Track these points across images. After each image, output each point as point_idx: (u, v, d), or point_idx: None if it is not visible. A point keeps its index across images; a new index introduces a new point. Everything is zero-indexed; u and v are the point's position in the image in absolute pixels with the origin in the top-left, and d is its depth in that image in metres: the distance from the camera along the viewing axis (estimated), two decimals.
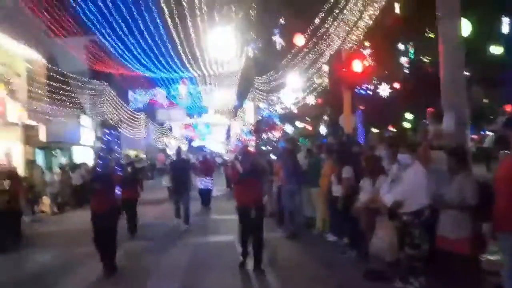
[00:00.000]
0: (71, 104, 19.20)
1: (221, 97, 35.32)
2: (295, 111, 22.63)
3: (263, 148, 12.92)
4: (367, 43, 17.37)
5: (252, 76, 23.30)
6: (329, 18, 14.20)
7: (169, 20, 16.55)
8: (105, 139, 7.08)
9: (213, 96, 35.73)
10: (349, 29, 14.10)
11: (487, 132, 16.91)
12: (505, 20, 14.29)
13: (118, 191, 9.41)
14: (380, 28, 15.69)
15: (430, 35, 16.04)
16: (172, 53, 20.79)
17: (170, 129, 43.88)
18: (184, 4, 15.28)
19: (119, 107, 26.78)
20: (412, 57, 18.92)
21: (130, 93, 35.16)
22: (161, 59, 22.00)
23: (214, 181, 13.06)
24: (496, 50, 14.64)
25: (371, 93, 19.30)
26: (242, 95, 31.04)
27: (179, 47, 19.12)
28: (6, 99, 13.73)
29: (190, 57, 20.82)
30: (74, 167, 14.94)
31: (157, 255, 7.21)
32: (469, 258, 4.25)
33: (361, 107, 19.82)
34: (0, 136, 14.18)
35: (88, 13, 16.92)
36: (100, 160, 6.28)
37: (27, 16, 15.90)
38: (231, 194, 9.59)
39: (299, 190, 7.91)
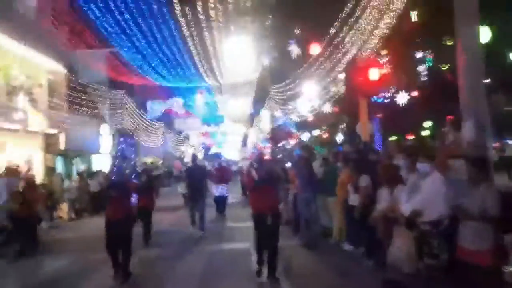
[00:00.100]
0: (91, 114, 19.58)
1: (237, 106, 35.48)
2: (311, 119, 22.57)
3: (279, 156, 12.87)
4: (384, 51, 17.28)
5: (268, 85, 23.35)
6: (345, 27, 14.18)
7: (186, 31, 16.80)
8: (120, 147, 7.19)
9: (229, 105, 35.94)
10: (366, 38, 14.05)
11: (509, 141, 16.50)
12: None
13: (134, 199, 9.53)
14: (397, 36, 15.58)
15: (448, 42, 15.82)
16: (189, 63, 21.05)
17: (187, 138, 44.27)
18: (200, 15, 15.48)
19: (137, 116, 27.18)
20: (430, 64, 18.70)
21: (149, 102, 35.71)
22: (178, 69, 22.31)
23: (229, 188, 13.06)
24: None
25: (388, 101, 19.13)
26: (258, 104, 31.11)
27: (195, 57, 19.35)
28: (28, 109, 14.09)
29: (206, 67, 21.03)
30: (92, 174, 15.18)
31: (172, 263, 7.22)
32: (490, 270, 4.11)
33: (379, 115, 19.66)
34: (22, 144, 14.55)
35: (108, 26, 17.34)
36: (115, 168, 6.33)
37: (49, 29, 16.39)
38: (247, 202, 9.57)
39: (314, 198, 7.83)
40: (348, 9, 13.55)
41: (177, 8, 15.12)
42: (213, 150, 46.17)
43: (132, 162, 7.10)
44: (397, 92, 18.54)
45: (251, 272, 6.22)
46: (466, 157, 4.91)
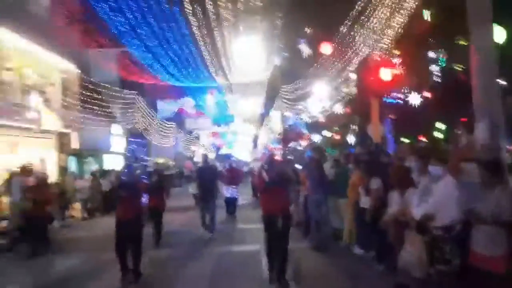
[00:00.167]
0: (102, 113, 19.75)
1: (248, 106, 35.54)
2: (322, 120, 22.45)
3: (290, 157, 12.81)
4: (396, 51, 17.10)
5: (278, 85, 23.31)
6: (356, 26, 14.07)
7: (196, 32, 16.85)
8: (130, 147, 7.22)
9: (239, 105, 35.98)
10: (377, 37, 13.92)
11: None
12: None
13: (144, 199, 9.56)
14: (410, 35, 15.41)
15: (462, 42, 15.60)
16: (199, 63, 21.12)
17: (198, 138, 44.42)
18: (211, 15, 15.52)
19: (149, 116, 27.36)
20: (443, 65, 18.45)
21: (159, 102, 35.90)
22: (189, 69, 22.40)
23: (240, 190, 13.04)
24: None
25: (401, 101, 18.94)
26: (268, 104, 31.08)
27: (206, 57, 19.41)
28: (41, 108, 14.26)
29: (217, 66, 21.08)
30: (104, 173, 15.30)
31: (182, 263, 7.23)
32: (504, 276, 4.02)
33: (391, 116, 19.47)
34: (35, 143, 14.74)
35: (119, 26, 17.48)
36: (126, 168, 6.34)
37: (62, 29, 16.58)
38: (257, 203, 9.53)
39: (325, 200, 7.76)
40: (359, 8, 13.46)
41: (188, 7, 15.18)
42: (223, 151, 46.25)
43: (143, 162, 7.08)
44: (409, 92, 18.35)
45: (261, 275, 6.18)
46: (479, 160, 4.82)
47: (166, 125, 31.73)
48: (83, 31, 18.20)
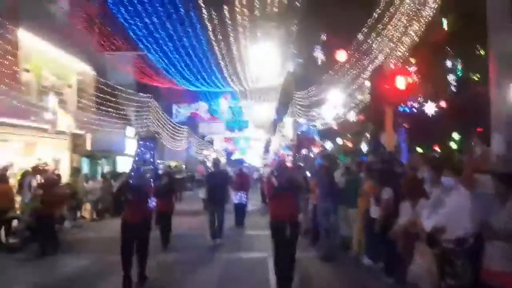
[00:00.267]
0: (117, 116, 19.98)
1: (261, 112, 35.56)
2: (335, 127, 22.29)
3: (301, 164, 12.69)
4: (412, 60, 16.91)
5: (292, 91, 23.26)
6: (372, 34, 13.97)
7: (212, 37, 16.96)
8: (140, 150, 7.24)
9: (253, 110, 36.03)
10: (393, 45, 13.79)
11: None
12: None
13: (152, 202, 9.56)
14: (427, 44, 15.22)
15: (480, 51, 15.33)
16: (214, 68, 21.24)
17: (211, 142, 44.60)
18: (227, 20, 15.60)
19: (163, 119, 27.61)
20: (460, 74, 18.16)
21: (174, 106, 36.21)
22: (204, 74, 22.55)
23: (249, 195, 12.96)
24: None
25: (416, 111, 18.68)
26: (281, 110, 31.03)
27: (221, 62, 19.50)
28: (57, 109, 14.47)
29: (232, 71, 21.16)
30: (116, 175, 15.41)
31: (189, 268, 7.19)
32: None
33: (406, 125, 19.20)
34: (51, 143, 14.95)
35: (136, 29, 17.73)
36: (134, 171, 6.30)
37: (80, 32, 16.88)
38: (266, 209, 9.46)
39: (334, 209, 7.64)
40: (376, 15, 13.36)
41: (205, 12, 15.30)
42: (235, 156, 46.32)
43: (153, 165, 7.07)
44: (425, 101, 18.08)
45: (268, 282, 6.11)
46: (494, 172, 4.68)
47: (179, 128, 31.97)
48: (101, 34, 18.49)
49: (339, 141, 25.14)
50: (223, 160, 34.58)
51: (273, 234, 5.93)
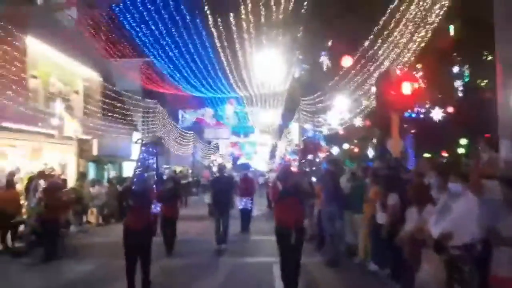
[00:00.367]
0: (123, 121, 20.09)
1: (267, 117, 35.62)
2: (341, 132, 22.23)
3: (306, 169, 12.65)
4: (418, 65, 16.85)
5: (298, 97, 23.26)
6: (378, 40, 13.95)
7: (218, 43, 17.04)
8: (142, 155, 7.24)
9: (259, 116, 36.10)
10: (399, 51, 13.75)
11: None
12: None
13: (157, 207, 9.54)
14: (433, 50, 15.17)
15: (487, 57, 15.25)
16: (220, 74, 21.34)
17: (217, 147, 44.72)
18: (233, 27, 15.67)
19: (169, 125, 27.74)
20: (467, 80, 18.07)
21: (180, 112, 36.40)
22: (210, 80, 22.65)
23: (255, 200, 12.92)
24: None
25: (422, 116, 18.60)
26: (287, 116, 31.05)
27: (227, 68, 19.58)
28: (64, 115, 14.58)
29: (237, 78, 21.22)
30: (122, 180, 15.46)
31: (194, 273, 7.18)
32: None
33: (412, 131, 19.10)
34: (57, 149, 15.06)
35: (143, 36, 17.90)
36: (136, 177, 6.28)
37: (87, 39, 17.05)
38: (271, 215, 9.43)
39: (340, 214, 7.59)
40: (381, 22, 13.34)
41: (210, 19, 15.39)
42: (241, 161, 46.38)
43: (156, 171, 7.06)
44: (431, 107, 17.99)
45: (273, 287, 6.05)
46: (502, 178, 4.62)
47: (185, 134, 32.08)
48: (108, 41, 18.68)
49: (345, 146, 25.05)
50: (229, 165, 34.63)
51: (278, 239, 5.88)
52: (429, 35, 13.01)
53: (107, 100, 18.31)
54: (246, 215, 11.79)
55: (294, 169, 9.56)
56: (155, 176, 6.87)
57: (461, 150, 19.31)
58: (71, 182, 13.44)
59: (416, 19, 13.08)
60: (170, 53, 19.45)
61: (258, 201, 15.42)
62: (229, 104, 37.03)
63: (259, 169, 39.18)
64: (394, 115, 11.00)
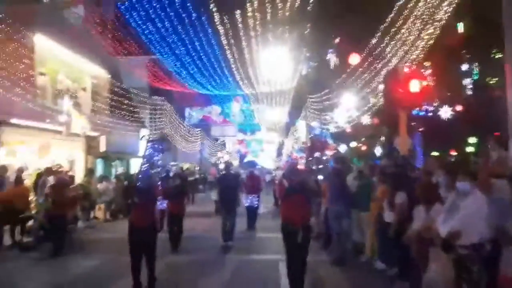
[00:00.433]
0: (131, 118, 20.19)
1: (274, 115, 35.57)
2: (349, 130, 22.13)
3: (313, 167, 12.59)
4: (427, 63, 16.71)
5: (305, 95, 23.18)
6: (386, 37, 13.84)
7: (224, 41, 17.04)
8: (147, 152, 7.23)
9: (265, 113, 36.07)
10: (407, 48, 13.63)
11: None
12: None
13: (163, 204, 9.55)
14: (442, 47, 15.02)
15: (495, 55, 15.07)
16: (226, 71, 21.35)
17: (224, 145, 44.81)
18: (239, 24, 15.65)
19: (176, 122, 27.83)
20: (477, 78, 17.89)
21: (187, 109, 36.51)
22: (216, 77, 22.67)
23: (261, 198, 12.90)
24: None
25: (431, 114, 18.46)
26: (294, 113, 30.97)
27: (233, 66, 19.58)
28: (72, 111, 14.68)
29: (244, 75, 21.21)
30: (129, 176, 15.55)
31: (200, 270, 7.20)
32: None
33: (421, 129, 18.96)
34: (65, 145, 15.17)
35: (149, 34, 17.97)
36: (141, 174, 6.28)
37: (94, 36, 17.14)
38: (278, 212, 9.42)
39: (347, 213, 7.55)
40: (389, 19, 13.24)
41: (216, 17, 15.38)
42: (248, 158, 46.45)
43: (162, 167, 7.07)
44: (440, 105, 17.85)
45: (279, 285, 6.09)
46: (511, 177, 4.57)
47: (192, 131, 32.18)
48: (115, 39, 18.77)
49: (353, 144, 24.93)
50: (235, 162, 34.66)
51: (284, 237, 5.85)
52: (437, 32, 12.89)
53: (114, 97, 18.41)
54: (252, 212, 11.76)
55: (301, 167, 9.49)
56: (161, 173, 6.86)
57: (470, 149, 19.14)
58: (79, 179, 13.54)
59: (424, 16, 12.95)
60: (177, 51, 19.50)
61: (265, 199, 15.39)
62: (235, 101, 37.05)
63: (265, 166, 39.20)
64: (402, 113, 10.91)
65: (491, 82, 17.52)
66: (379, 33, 13.82)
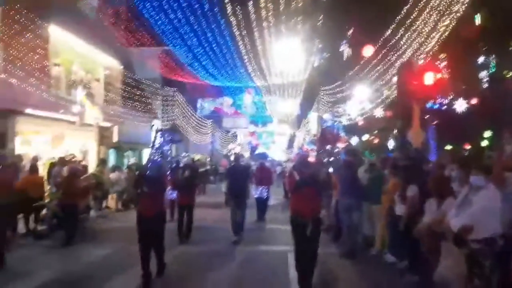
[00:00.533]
0: (143, 109, 20.32)
1: (285, 107, 35.45)
2: (361, 123, 21.94)
3: (324, 159, 12.50)
4: (442, 55, 16.41)
5: (317, 87, 23.02)
6: (401, 29, 13.61)
7: (237, 32, 16.96)
8: (158, 142, 7.26)
9: (277, 105, 35.96)
10: (423, 40, 13.40)
11: None
12: None
13: (173, 194, 9.58)
14: (458, 39, 14.72)
15: None
16: (239, 63, 21.29)
17: (236, 137, 44.89)
18: (251, 15, 15.55)
19: (188, 113, 27.94)
20: (493, 70, 17.50)
21: (199, 100, 36.61)
22: (228, 69, 22.64)
23: (272, 190, 12.87)
24: None
25: (445, 107, 18.17)
26: (306, 105, 30.82)
27: (245, 57, 19.50)
28: (85, 102, 14.83)
29: (256, 67, 21.13)
30: (141, 167, 15.67)
31: (209, 260, 7.24)
32: None
33: (435, 122, 18.70)
34: (79, 135, 15.36)
35: (162, 25, 17.99)
36: (151, 163, 6.30)
37: (108, 27, 17.22)
38: (287, 204, 9.40)
39: (357, 205, 7.49)
40: (404, 10, 13.01)
41: (229, 8, 15.31)
42: (259, 150, 46.47)
43: (172, 158, 7.10)
44: (455, 98, 17.55)
45: (288, 276, 6.10)
46: None
47: (203, 122, 32.27)
48: (127, 30, 18.85)
49: (365, 137, 24.74)
50: (247, 154, 34.69)
51: (293, 229, 5.81)
52: (453, 23, 12.63)
53: (127, 88, 18.53)
54: (262, 204, 11.75)
55: (311, 159, 9.41)
56: (171, 163, 6.86)
57: (484, 143, 18.82)
58: (91, 168, 13.70)
59: (441, 8, 12.69)
60: (189, 42, 19.50)
61: (275, 191, 15.38)
62: (247, 93, 36.99)
63: (276, 158, 39.21)
64: (415, 105, 10.79)
65: (507, 75, 17.13)
66: (394, 24, 13.59)
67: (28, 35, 11.72)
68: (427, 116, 16.75)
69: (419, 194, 5.89)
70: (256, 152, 44.79)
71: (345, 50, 17.80)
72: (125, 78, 18.71)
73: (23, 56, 11.58)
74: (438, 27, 12.96)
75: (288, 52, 17.46)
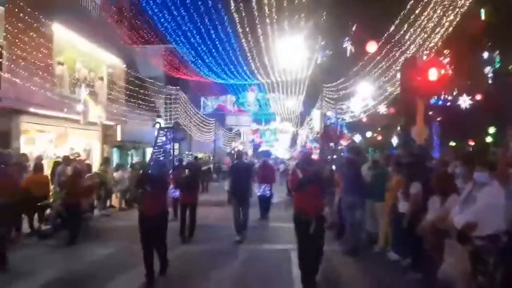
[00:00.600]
0: (147, 107, 20.34)
1: (289, 104, 35.41)
2: (365, 119, 21.85)
3: (327, 157, 12.49)
4: (446, 51, 16.28)
5: (320, 84, 22.94)
6: (405, 25, 13.51)
7: (240, 29, 16.92)
8: (159, 141, 7.26)
9: (280, 103, 35.93)
10: (426, 36, 13.30)
11: None
12: None
13: (175, 193, 9.57)
14: (463, 35, 14.60)
15: None
16: (242, 61, 21.26)
17: (239, 134, 44.90)
18: (255, 12, 15.50)
19: (191, 111, 27.96)
20: (498, 66, 17.34)
21: (202, 99, 36.61)
22: (231, 66, 22.62)
23: (275, 188, 12.84)
24: None
25: (449, 103, 18.05)
26: (309, 103, 30.75)
27: (248, 54, 19.47)
28: (88, 100, 14.87)
29: (259, 64, 21.09)
30: (144, 165, 15.69)
31: (212, 259, 7.25)
32: None
33: (439, 118, 18.58)
34: (82, 134, 15.42)
35: (165, 23, 17.98)
36: (153, 162, 6.33)
37: (111, 25, 17.23)
38: (291, 202, 9.38)
39: (361, 203, 7.47)
40: (408, 6, 12.91)
41: (232, 5, 15.27)
42: (262, 148, 46.46)
43: (174, 156, 7.09)
44: (459, 95, 17.43)
45: (291, 274, 6.09)
46: None
47: (206, 120, 32.28)
48: (130, 28, 18.86)
49: (368, 134, 24.65)
50: (250, 152, 34.67)
51: (296, 227, 5.80)
52: (458, 19, 12.52)
53: (130, 87, 18.55)
54: (264, 202, 11.71)
55: (315, 156, 9.39)
56: (173, 162, 6.86)
57: (489, 139, 18.69)
58: (95, 167, 13.74)
59: (445, 3, 12.59)
60: (192, 40, 19.50)
61: (278, 189, 15.37)
62: (250, 91, 36.96)
63: (279, 156, 39.19)
64: (419, 101, 10.71)
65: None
66: (397, 20, 13.49)
67: (31, 33, 11.74)
68: (431, 112, 16.63)
69: (423, 191, 5.86)
70: (260, 150, 44.81)
71: (348, 46, 17.68)
72: (128, 77, 18.72)
73: (27, 55, 11.60)
74: (443, 22, 12.86)
75: (291, 49, 17.39)
